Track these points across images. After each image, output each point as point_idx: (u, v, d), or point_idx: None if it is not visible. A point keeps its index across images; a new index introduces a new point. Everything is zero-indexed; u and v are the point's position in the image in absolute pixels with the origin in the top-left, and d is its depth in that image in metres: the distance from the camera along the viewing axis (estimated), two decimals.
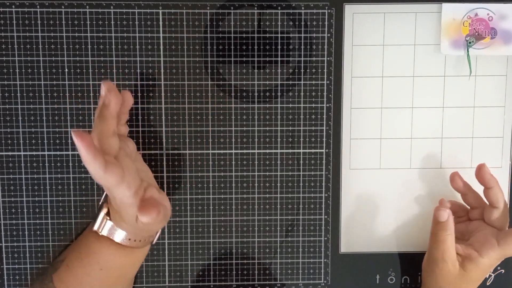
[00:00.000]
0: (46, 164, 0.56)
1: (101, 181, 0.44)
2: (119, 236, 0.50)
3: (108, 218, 0.50)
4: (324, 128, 0.57)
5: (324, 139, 0.58)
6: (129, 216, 0.47)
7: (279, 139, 0.57)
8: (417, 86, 0.57)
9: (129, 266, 0.52)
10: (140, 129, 0.56)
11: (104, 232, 0.50)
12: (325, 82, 0.57)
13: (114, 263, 0.50)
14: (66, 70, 0.55)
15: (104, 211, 0.50)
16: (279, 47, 0.56)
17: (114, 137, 0.45)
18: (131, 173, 0.46)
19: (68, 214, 0.57)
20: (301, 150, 0.58)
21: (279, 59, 0.56)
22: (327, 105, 0.57)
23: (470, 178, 0.56)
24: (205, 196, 0.58)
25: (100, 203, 0.53)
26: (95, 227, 0.50)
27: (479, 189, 0.55)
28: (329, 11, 0.56)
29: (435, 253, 0.54)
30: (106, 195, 0.52)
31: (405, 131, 0.58)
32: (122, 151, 0.47)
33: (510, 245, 0.52)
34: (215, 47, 0.56)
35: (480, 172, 0.54)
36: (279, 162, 0.58)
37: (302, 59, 0.56)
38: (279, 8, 0.56)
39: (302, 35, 0.56)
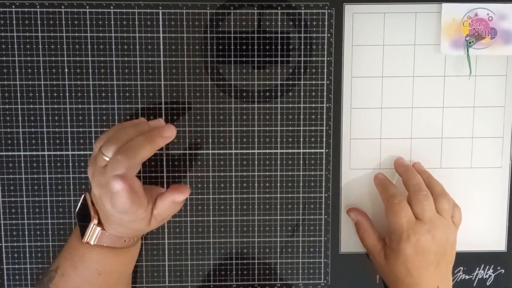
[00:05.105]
0: (46, 164, 0.56)
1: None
2: (110, 240, 0.49)
3: (99, 226, 0.49)
4: (324, 128, 0.57)
5: (324, 139, 0.58)
6: (124, 220, 0.48)
7: (279, 139, 0.57)
8: (417, 86, 0.57)
9: (127, 264, 0.53)
10: None
11: (95, 241, 0.49)
12: (325, 82, 0.57)
13: (111, 265, 0.50)
14: (66, 70, 0.55)
15: (94, 221, 0.49)
16: (279, 47, 0.56)
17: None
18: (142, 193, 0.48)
19: (68, 214, 0.57)
20: (301, 150, 0.58)
21: (279, 59, 0.56)
22: (327, 105, 0.57)
23: (470, 178, 0.56)
24: (205, 196, 0.58)
25: (76, 210, 0.52)
26: (85, 239, 0.49)
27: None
28: (329, 11, 0.56)
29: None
30: (82, 203, 0.52)
31: (405, 131, 0.58)
32: None
33: (389, 219, 0.53)
34: (215, 47, 0.56)
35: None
36: (279, 162, 0.58)
37: (302, 59, 0.56)
38: (279, 8, 0.56)
39: (302, 35, 0.56)
